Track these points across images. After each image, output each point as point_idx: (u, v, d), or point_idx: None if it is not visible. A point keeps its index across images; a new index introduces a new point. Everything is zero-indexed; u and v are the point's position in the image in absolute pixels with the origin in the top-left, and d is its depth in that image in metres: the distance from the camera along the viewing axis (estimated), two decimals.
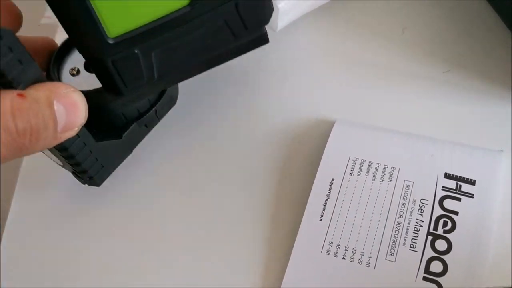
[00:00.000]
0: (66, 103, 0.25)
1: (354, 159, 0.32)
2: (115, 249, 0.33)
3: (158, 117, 0.34)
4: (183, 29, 0.27)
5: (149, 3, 0.25)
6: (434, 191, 0.30)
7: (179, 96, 0.35)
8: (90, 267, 0.32)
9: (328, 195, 0.31)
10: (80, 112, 0.26)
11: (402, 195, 0.31)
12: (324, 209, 0.31)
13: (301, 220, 0.31)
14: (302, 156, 0.34)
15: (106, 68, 0.27)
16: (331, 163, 0.32)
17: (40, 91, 0.24)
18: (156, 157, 0.35)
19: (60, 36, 0.41)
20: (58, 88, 0.24)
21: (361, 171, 0.32)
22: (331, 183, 0.31)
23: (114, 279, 0.32)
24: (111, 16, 0.25)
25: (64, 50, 0.32)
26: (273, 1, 0.30)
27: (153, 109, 0.33)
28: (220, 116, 0.37)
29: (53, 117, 0.24)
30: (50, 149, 0.28)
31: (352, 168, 0.32)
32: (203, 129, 0.36)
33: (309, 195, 0.31)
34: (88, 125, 0.27)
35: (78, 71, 0.32)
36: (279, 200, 0.33)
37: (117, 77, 0.28)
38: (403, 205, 0.30)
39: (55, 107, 0.24)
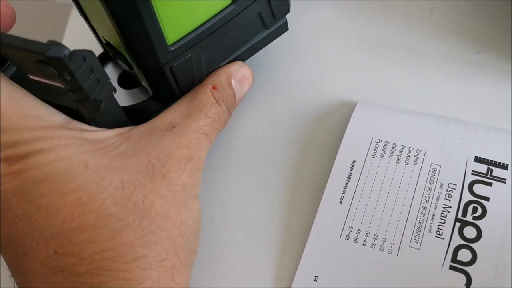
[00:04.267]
0: (239, 79, 0.30)
1: (377, 141, 0.30)
2: None
3: None
4: (227, 26, 0.28)
5: (199, 6, 0.26)
6: (463, 176, 0.28)
7: None
8: None
9: (349, 178, 0.29)
10: (249, 82, 0.31)
11: (428, 179, 0.29)
12: (344, 192, 0.29)
13: (319, 204, 0.29)
14: (322, 138, 0.32)
15: (164, 76, 0.28)
16: (353, 144, 0.30)
17: (221, 76, 0.29)
18: None
19: (74, 17, 0.40)
20: (231, 68, 0.30)
21: (384, 153, 0.30)
22: (352, 165, 0.30)
23: None
24: (169, 22, 0.26)
25: None
26: None
27: None
28: None
29: (233, 94, 0.30)
30: None
31: (375, 150, 0.30)
32: None
33: (328, 178, 0.30)
34: None
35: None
36: (296, 183, 0.31)
37: (173, 83, 0.28)
38: (429, 189, 0.28)
39: (233, 85, 0.30)
